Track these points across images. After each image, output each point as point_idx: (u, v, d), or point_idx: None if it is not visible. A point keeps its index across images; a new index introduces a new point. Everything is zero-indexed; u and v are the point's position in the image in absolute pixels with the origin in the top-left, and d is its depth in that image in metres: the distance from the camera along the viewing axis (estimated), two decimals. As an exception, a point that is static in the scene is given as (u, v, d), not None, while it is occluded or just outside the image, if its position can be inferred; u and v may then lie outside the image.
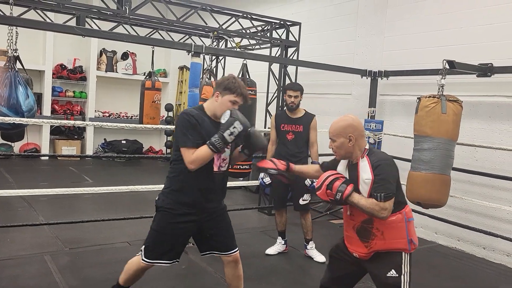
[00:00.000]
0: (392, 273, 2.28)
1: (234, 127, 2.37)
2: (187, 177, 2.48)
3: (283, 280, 3.85)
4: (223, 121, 2.40)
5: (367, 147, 2.39)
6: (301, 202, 4.24)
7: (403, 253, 2.30)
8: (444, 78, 3.96)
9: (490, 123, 4.74)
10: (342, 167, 2.48)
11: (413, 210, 4.77)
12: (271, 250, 4.40)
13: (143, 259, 2.58)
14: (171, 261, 2.59)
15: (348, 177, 2.39)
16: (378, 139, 5.32)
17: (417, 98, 3.91)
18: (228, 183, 6.19)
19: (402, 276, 2.27)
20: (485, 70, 4.48)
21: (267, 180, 4.19)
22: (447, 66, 4.02)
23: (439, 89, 3.90)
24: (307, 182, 4.08)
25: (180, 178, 2.52)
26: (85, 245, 4.24)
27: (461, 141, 4.47)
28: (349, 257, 2.45)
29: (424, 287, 3.78)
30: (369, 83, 5.79)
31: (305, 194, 4.24)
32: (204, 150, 2.38)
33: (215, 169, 2.56)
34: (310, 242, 4.36)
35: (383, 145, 5.31)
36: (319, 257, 4.25)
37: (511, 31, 4.55)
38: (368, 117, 5.64)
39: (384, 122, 5.41)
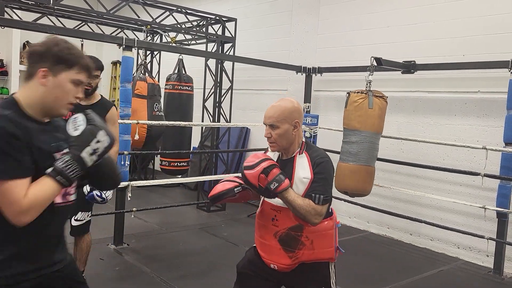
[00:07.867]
0: None
1: (98, 141, 1.43)
2: (15, 231, 1.39)
3: (223, 275, 3.84)
4: (73, 131, 1.45)
5: (303, 140, 2.05)
6: (73, 223, 2.99)
7: (330, 265, 2.02)
8: (372, 75, 4.15)
9: (414, 117, 5.06)
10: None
11: (345, 201, 5.08)
12: None
13: None
14: None
15: None
16: (313, 133, 5.49)
17: (347, 93, 4.10)
18: (166, 180, 5.91)
19: None
20: (408, 67, 4.77)
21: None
22: (374, 63, 4.23)
23: (367, 85, 4.10)
24: (85, 189, 2.83)
25: (5, 233, 1.41)
26: None
27: (389, 134, 4.75)
28: (264, 272, 2.04)
29: (356, 273, 3.97)
30: (304, 79, 5.93)
31: (80, 212, 2.98)
32: (46, 187, 1.37)
33: (59, 200, 1.50)
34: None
35: (318, 139, 5.47)
36: None
37: (431, 31, 4.88)
38: (304, 112, 5.78)
39: (319, 116, 5.59)
